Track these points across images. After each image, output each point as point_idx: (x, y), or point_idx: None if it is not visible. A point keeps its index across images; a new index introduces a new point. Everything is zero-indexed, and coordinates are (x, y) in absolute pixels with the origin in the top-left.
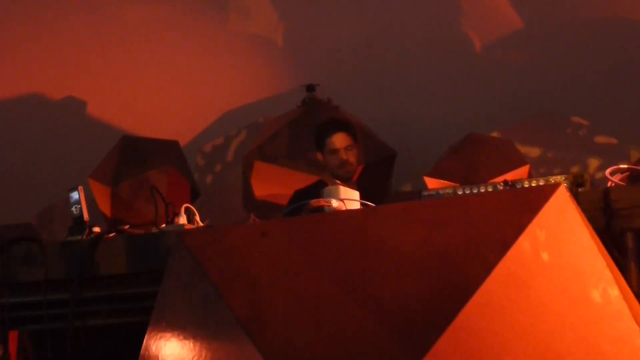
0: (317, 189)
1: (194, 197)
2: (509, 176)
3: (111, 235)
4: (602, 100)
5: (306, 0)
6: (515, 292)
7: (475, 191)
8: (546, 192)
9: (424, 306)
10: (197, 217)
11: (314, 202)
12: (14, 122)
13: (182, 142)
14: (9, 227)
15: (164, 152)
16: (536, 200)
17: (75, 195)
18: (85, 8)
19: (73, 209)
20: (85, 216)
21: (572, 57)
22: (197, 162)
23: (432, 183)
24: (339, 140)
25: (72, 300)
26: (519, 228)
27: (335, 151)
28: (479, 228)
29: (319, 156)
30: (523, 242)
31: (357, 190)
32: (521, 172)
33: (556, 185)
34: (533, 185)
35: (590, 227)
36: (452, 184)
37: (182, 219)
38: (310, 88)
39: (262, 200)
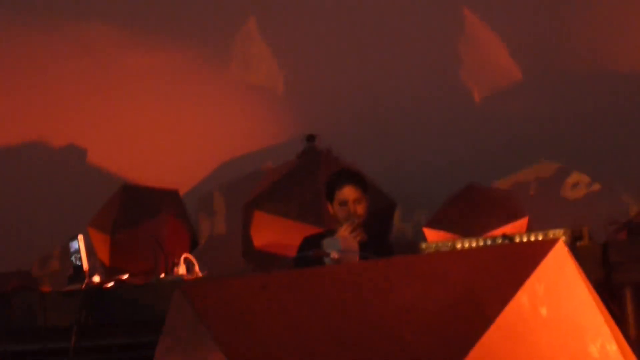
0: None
1: (193, 247)
2: (508, 228)
3: (110, 285)
4: (602, 150)
5: (307, 50)
6: (514, 346)
7: (474, 245)
8: (545, 247)
9: None
10: (197, 267)
11: (315, 253)
12: (15, 169)
13: (182, 191)
14: (7, 275)
15: (163, 201)
16: (535, 255)
17: (75, 244)
18: (87, 56)
19: (73, 258)
20: (85, 265)
21: (570, 107)
22: (196, 212)
23: (431, 234)
24: (349, 192)
25: (71, 349)
26: (518, 282)
27: (344, 202)
28: (478, 282)
29: (329, 207)
30: (522, 297)
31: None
32: (520, 224)
33: (554, 240)
34: (532, 239)
35: (588, 282)
36: (451, 235)
37: (182, 269)
38: (310, 138)
39: (261, 250)
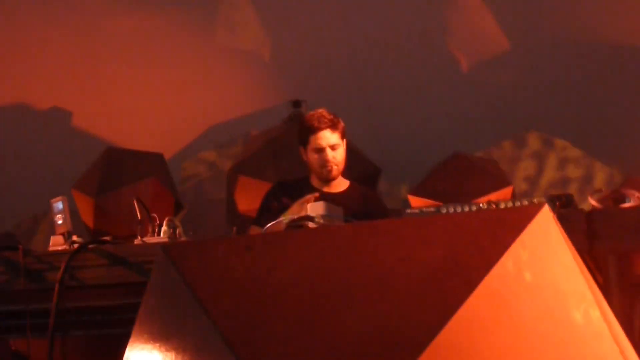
0: (301, 187)
1: (177, 210)
2: (493, 196)
3: (93, 246)
4: (588, 120)
5: (293, 16)
6: (497, 310)
7: (459, 210)
8: (530, 212)
9: (406, 323)
10: (180, 230)
11: (299, 218)
12: None
13: (167, 155)
14: None
15: (148, 164)
16: (520, 220)
17: (59, 205)
18: (72, 19)
19: (56, 218)
20: (69, 226)
21: (557, 78)
22: (181, 175)
23: (415, 201)
24: (325, 137)
25: (52, 310)
26: (502, 247)
27: (320, 149)
28: (462, 247)
29: (302, 152)
30: (506, 262)
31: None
32: (505, 192)
33: (540, 205)
34: (517, 206)
35: (573, 248)
36: (436, 202)
37: (166, 232)
38: (297, 104)
39: (245, 214)
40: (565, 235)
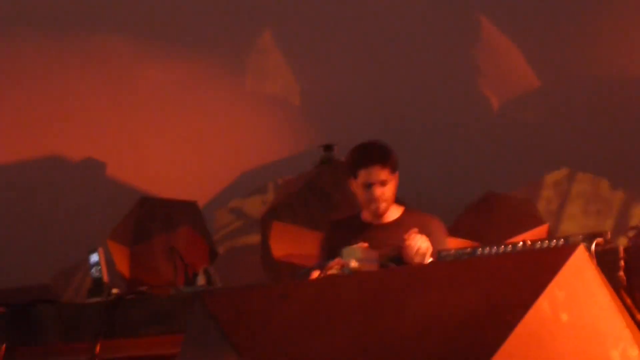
0: (353, 223)
1: (212, 258)
2: (527, 236)
3: (130, 296)
4: (620, 158)
5: (323, 61)
6: (535, 352)
7: (494, 251)
8: (565, 253)
9: None
10: (216, 278)
11: (333, 264)
12: (34, 184)
13: (201, 203)
14: (28, 289)
15: (182, 212)
16: (555, 260)
17: (94, 257)
18: (104, 69)
19: (93, 270)
20: (105, 277)
21: (588, 115)
22: (215, 223)
23: (449, 242)
24: (375, 173)
25: None
26: (538, 289)
27: (368, 185)
28: (497, 289)
29: (352, 182)
30: (542, 303)
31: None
32: (539, 231)
33: (575, 246)
34: (552, 245)
35: (610, 287)
36: (469, 243)
37: (201, 280)
38: (328, 148)
39: (280, 260)
40: (601, 274)
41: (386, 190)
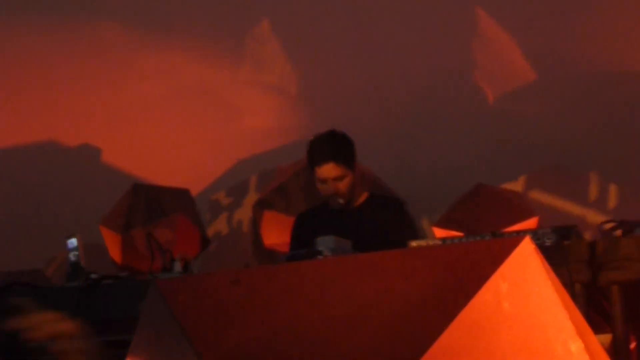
0: (320, 212)
1: (204, 246)
2: (517, 227)
3: (107, 281)
4: (614, 153)
5: (320, 50)
6: (475, 342)
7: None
8: (511, 245)
9: (382, 355)
10: (193, 265)
11: (307, 252)
12: (30, 169)
13: (195, 191)
14: (18, 273)
15: (174, 200)
16: (500, 252)
17: (72, 242)
18: (99, 56)
19: (71, 255)
20: (82, 262)
21: (583, 110)
22: (209, 211)
23: (440, 233)
24: (328, 170)
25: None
26: (482, 279)
27: (324, 181)
28: (441, 279)
29: (314, 178)
30: (485, 294)
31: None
32: (530, 223)
33: (520, 238)
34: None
35: (557, 280)
36: (460, 234)
37: (178, 267)
38: None
39: (271, 248)
40: (548, 267)
41: (342, 185)
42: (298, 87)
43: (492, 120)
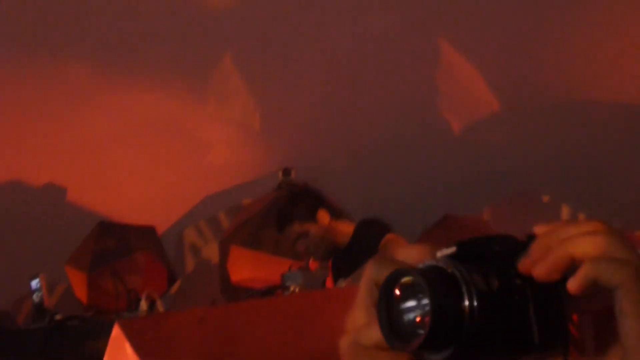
0: None
1: (171, 283)
2: None
3: (71, 322)
4: (580, 180)
5: (282, 85)
6: None
7: None
8: None
9: None
10: (159, 303)
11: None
12: None
13: (164, 227)
14: None
15: (140, 238)
16: None
17: (35, 283)
18: (64, 94)
19: (34, 296)
20: (46, 303)
21: (547, 137)
22: (176, 247)
23: None
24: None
25: None
26: None
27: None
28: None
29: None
30: None
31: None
32: None
33: None
34: None
35: None
36: None
37: (144, 306)
38: (286, 172)
39: (238, 285)
40: None
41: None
42: (262, 122)
43: (458, 150)
